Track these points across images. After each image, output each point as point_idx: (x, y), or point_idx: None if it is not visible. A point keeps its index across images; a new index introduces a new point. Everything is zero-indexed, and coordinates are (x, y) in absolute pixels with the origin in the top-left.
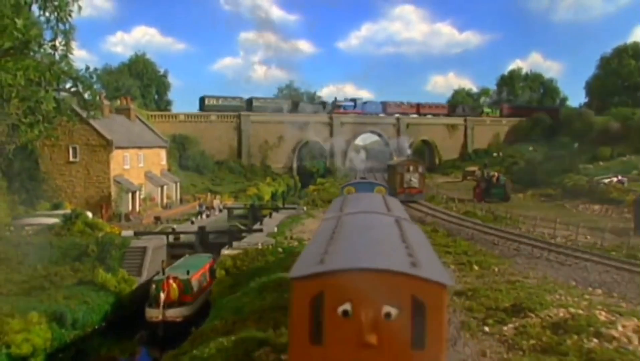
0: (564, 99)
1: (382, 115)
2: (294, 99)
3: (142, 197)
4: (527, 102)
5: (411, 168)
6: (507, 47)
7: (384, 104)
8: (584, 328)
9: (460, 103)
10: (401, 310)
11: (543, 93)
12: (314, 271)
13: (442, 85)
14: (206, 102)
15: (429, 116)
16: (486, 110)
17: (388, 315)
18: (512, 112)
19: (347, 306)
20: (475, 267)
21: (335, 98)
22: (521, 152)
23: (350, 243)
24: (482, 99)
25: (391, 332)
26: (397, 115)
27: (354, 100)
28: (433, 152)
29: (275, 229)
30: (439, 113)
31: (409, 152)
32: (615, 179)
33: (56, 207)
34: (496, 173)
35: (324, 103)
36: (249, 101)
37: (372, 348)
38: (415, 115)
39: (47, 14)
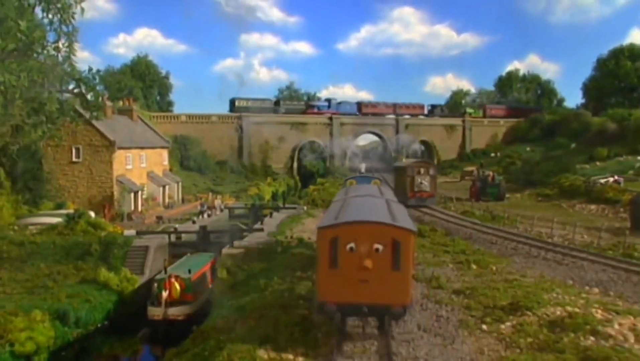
0: (561, 100)
1: (357, 114)
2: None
3: (144, 196)
4: (525, 102)
5: (422, 170)
6: (505, 48)
7: (359, 104)
8: (580, 327)
9: (446, 104)
10: (385, 247)
11: (540, 95)
12: (332, 223)
13: (441, 86)
14: (237, 103)
15: (407, 116)
16: (469, 110)
17: (377, 249)
18: (496, 113)
19: (352, 244)
20: (474, 266)
21: (309, 97)
22: (519, 152)
23: (354, 210)
24: (464, 100)
25: (379, 260)
26: (389, 116)
27: (328, 100)
28: (432, 152)
29: (276, 228)
30: (417, 113)
31: (417, 148)
32: (611, 179)
33: (59, 206)
34: (491, 173)
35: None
36: (277, 102)
37: (368, 269)
38: (392, 116)
39: (50, 16)
